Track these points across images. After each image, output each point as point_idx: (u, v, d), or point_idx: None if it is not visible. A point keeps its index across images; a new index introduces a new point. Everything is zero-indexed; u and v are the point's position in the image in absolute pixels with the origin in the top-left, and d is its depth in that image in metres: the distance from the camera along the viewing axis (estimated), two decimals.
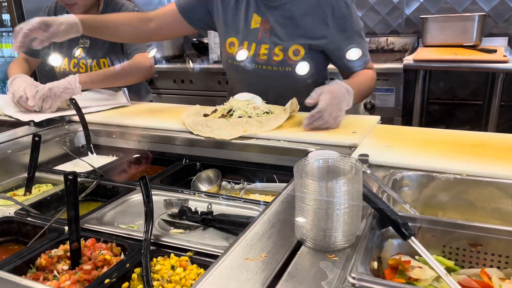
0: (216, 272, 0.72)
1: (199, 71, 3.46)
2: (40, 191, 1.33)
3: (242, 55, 1.70)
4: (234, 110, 1.55)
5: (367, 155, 1.14)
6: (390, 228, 0.81)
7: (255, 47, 1.65)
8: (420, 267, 0.79)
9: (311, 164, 0.80)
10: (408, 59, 2.78)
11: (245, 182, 1.36)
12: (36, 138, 1.31)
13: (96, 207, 1.16)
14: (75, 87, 1.78)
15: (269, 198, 1.29)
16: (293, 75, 1.62)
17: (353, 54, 1.58)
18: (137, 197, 1.21)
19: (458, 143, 1.23)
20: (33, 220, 1.10)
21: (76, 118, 1.71)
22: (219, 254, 0.87)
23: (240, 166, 1.42)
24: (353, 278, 0.66)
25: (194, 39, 3.80)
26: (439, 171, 1.06)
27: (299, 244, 0.80)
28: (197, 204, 1.14)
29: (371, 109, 2.99)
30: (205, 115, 1.61)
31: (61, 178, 1.34)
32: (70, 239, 0.94)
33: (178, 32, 1.89)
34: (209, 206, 1.07)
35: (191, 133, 1.49)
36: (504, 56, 2.63)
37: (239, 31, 1.68)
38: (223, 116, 1.56)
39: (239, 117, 1.52)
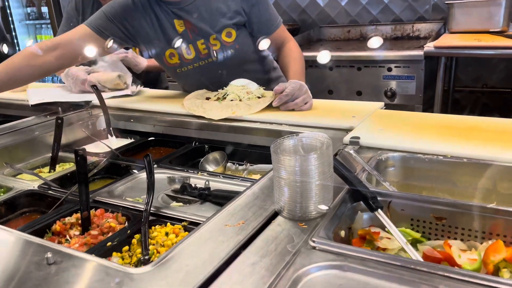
0: (196, 234, 0.81)
1: None
2: (62, 169, 1.47)
3: (183, 64, 1.80)
4: (227, 94, 1.68)
5: (358, 137, 1.20)
6: (362, 202, 0.88)
7: (193, 47, 1.75)
8: (389, 238, 0.86)
9: (287, 142, 0.88)
10: (429, 46, 2.76)
11: (248, 164, 1.45)
12: (59, 121, 1.45)
13: (109, 183, 1.28)
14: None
15: None
16: (237, 54, 1.76)
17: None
18: (145, 175, 1.32)
19: (452, 127, 1.27)
20: (53, 193, 1.23)
21: (96, 102, 1.86)
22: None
23: (245, 149, 1.51)
24: (313, 241, 0.74)
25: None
26: (425, 152, 1.10)
27: (276, 214, 0.88)
28: (199, 181, 1.24)
29: (391, 97, 2.99)
30: (207, 98, 1.74)
31: None
32: (81, 208, 1.06)
33: (88, 52, 1.72)
34: (207, 183, 1.16)
35: (202, 117, 1.59)
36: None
37: (170, 41, 1.75)
38: (218, 99, 1.69)
39: (231, 100, 1.65)
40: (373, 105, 1.59)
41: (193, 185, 1.19)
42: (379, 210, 0.83)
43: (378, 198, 0.86)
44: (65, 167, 1.49)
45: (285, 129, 1.42)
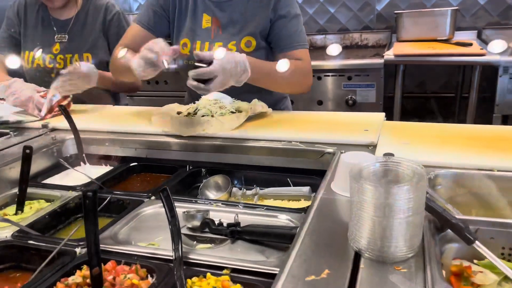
0: None
1: (174, 71, 3.34)
2: (32, 209, 1.20)
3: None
4: (198, 109, 1.52)
5: (392, 154, 1.10)
6: (448, 232, 0.77)
7: (208, 46, 1.63)
8: (481, 272, 0.76)
9: (368, 167, 0.75)
10: (389, 54, 2.79)
11: (258, 187, 1.29)
12: (27, 150, 1.19)
13: (104, 224, 1.05)
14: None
15: (285, 203, 1.23)
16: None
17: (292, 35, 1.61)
18: (148, 211, 1.11)
19: (477, 137, 1.22)
20: (35, 243, 0.98)
21: (61, 125, 1.59)
22: (261, 270, 0.81)
23: (250, 171, 1.35)
24: None
25: (169, 40, 3.66)
26: (468, 167, 1.03)
27: (357, 255, 0.74)
28: (214, 214, 1.06)
29: (352, 105, 2.98)
30: (178, 113, 1.57)
31: (55, 193, 1.24)
32: (90, 263, 0.84)
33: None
34: (236, 217, 0.99)
35: (192, 138, 1.40)
36: (480, 49, 2.69)
37: (190, 31, 1.66)
38: (188, 114, 1.53)
39: (203, 116, 1.48)
40: (376, 116, 1.52)
41: (216, 220, 1.01)
42: (477, 242, 0.73)
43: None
44: (35, 207, 1.22)
45: (297, 147, 1.29)
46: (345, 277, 0.68)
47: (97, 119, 1.63)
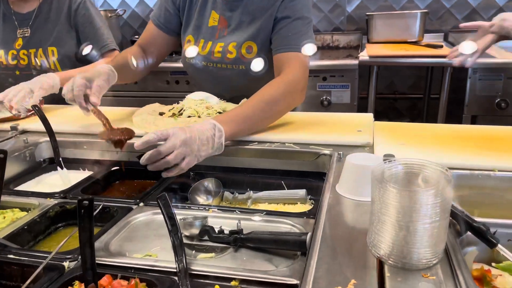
0: None
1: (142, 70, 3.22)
2: (7, 219, 1.10)
3: (192, 52, 1.62)
4: (184, 110, 1.47)
5: (392, 156, 1.08)
6: (467, 235, 0.75)
7: (211, 45, 1.57)
8: (501, 275, 0.74)
9: (390, 169, 0.71)
10: (363, 55, 2.81)
11: (251, 191, 1.24)
12: (1, 155, 1.08)
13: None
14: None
15: (280, 207, 1.19)
16: (247, 73, 1.54)
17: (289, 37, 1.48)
18: (138, 218, 1.03)
19: (470, 137, 1.22)
20: (16, 257, 0.89)
21: (33, 127, 1.47)
22: (273, 281, 0.76)
23: (242, 174, 1.29)
24: None
25: (136, 37, 3.54)
26: (468, 168, 1.03)
27: (380, 262, 0.70)
28: (211, 221, 1.00)
29: (327, 106, 2.98)
30: (161, 114, 1.52)
31: (32, 201, 1.14)
32: (86, 278, 0.76)
33: (167, 50, 1.72)
34: (239, 224, 0.93)
35: None
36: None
37: (195, 28, 1.61)
38: (173, 115, 1.47)
39: (189, 116, 1.43)
40: (365, 116, 1.51)
41: (215, 227, 0.95)
42: (500, 245, 0.71)
43: None
44: (9, 216, 1.11)
45: (291, 148, 1.25)
46: (373, 287, 0.64)
47: (73, 120, 1.52)
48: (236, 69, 1.56)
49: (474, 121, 2.82)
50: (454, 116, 2.91)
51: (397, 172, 0.72)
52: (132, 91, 3.24)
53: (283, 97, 1.33)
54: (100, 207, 1.06)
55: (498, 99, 2.71)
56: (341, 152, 1.15)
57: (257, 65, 1.54)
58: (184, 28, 1.64)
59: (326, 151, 1.20)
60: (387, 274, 0.67)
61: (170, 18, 1.62)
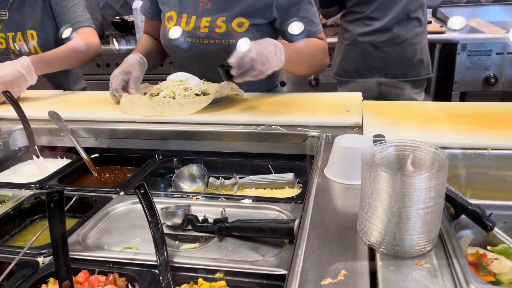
0: None
1: (126, 52, 3.12)
2: None
3: (177, 30, 1.56)
4: (161, 90, 1.43)
5: (383, 136, 1.04)
6: (462, 218, 0.71)
7: (195, 20, 1.50)
8: (496, 259, 0.71)
9: (381, 152, 0.67)
10: None
11: (237, 176, 1.19)
12: None
13: (69, 227, 0.92)
14: (30, 74, 1.47)
15: (268, 192, 1.15)
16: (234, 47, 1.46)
17: (299, 24, 1.46)
18: (118, 208, 0.99)
19: (461, 115, 1.18)
20: None
21: (5, 114, 1.40)
22: (260, 272, 0.72)
23: (227, 158, 1.25)
24: None
25: (117, 18, 3.43)
26: (461, 147, 0.99)
27: (371, 250, 0.67)
28: (195, 209, 0.95)
29: (315, 86, 2.93)
30: (144, 94, 1.48)
31: (6, 192, 1.08)
32: (59, 276, 0.71)
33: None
34: (223, 212, 0.89)
35: (159, 123, 1.28)
36: (440, 27, 2.70)
37: (177, 3, 1.54)
38: (151, 95, 1.44)
39: (164, 97, 1.39)
40: (354, 96, 1.46)
41: (198, 216, 0.90)
42: (496, 229, 0.68)
43: None
44: None
45: (278, 131, 1.20)
46: (364, 278, 0.60)
47: (48, 106, 1.45)
48: (225, 44, 1.48)
49: (463, 98, 2.79)
50: (443, 94, 2.88)
51: (388, 155, 0.67)
52: (109, 74, 3.14)
53: (324, 55, 1.53)
54: (75, 198, 1.00)
55: (487, 75, 2.67)
56: (329, 134, 1.11)
57: (252, 36, 1.44)
58: (163, 5, 1.57)
59: (314, 133, 1.15)
60: (379, 263, 0.63)
61: (155, 5, 1.61)
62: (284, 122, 1.22)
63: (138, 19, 3.08)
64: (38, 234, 0.80)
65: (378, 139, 1.03)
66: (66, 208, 0.96)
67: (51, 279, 0.76)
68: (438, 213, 0.65)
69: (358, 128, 1.16)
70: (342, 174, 0.88)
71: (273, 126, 1.22)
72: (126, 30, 3.41)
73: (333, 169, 0.90)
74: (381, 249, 0.66)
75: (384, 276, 0.60)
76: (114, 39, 3.31)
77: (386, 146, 0.67)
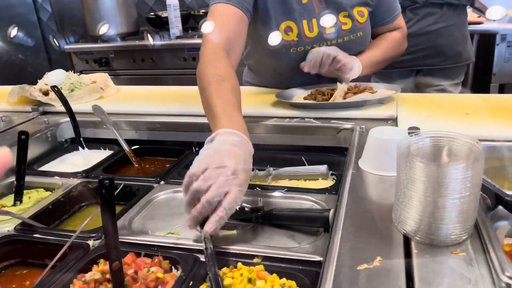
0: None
1: (160, 48, 3.21)
2: (32, 199, 1.11)
3: (303, 40, 1.39)
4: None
5: (418, 128, 1.04)
6: (498, 209, 0.72)
7: (316, 23, 1.37)
8: None
9: (417, 143, 0.68)
10: None
11: (271, 168, 1.22)
12: (23, 136, 1.09)
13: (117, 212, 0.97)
14: None
15: (301, 184, 1.17)
16: (364, 38, 1.43)
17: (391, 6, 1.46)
18: (160, 197, 1.04)
19: (500, 107, 1.17)
20: (42, 236, 0.90)
21: (53, 108, 1.48)
22: (296, 258, 0.75)
23: (261, 150, 1.27)
24: (510, 278, 0.56)
25: (152, 14, 3.51)
26: (499, 139, 0.99)
27: (406, 238, 0.68)
28: None
29: None
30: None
31: (56, 181, 1.15)
32: (110, 257, 0.76)
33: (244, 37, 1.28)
34: (260, 201, 0.92)
35: (200, 116, 1.32)
36: (478, 17, 2.64)
37: (292, 11, 1.36)
38: None
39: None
40: (390, 88, 1.45)
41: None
42: None
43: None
44: (34, 196, 1.13)
45: (312, 124, 1.22)
46: (399, 264, 0.62)
47: (91, 101, 1.53)
48: (353, 39, 1.41)
49: (502, 90, 2.72)
50: (481, 86, 2.81)
51: (424, 146, 0.69)
52: (148, 69, 3.24)
53: (399, 45, 1.54)
54: (121, 186, 1.06)
55: None
56: (363, 126, 1.12)
57: (369, 27, 1.44)
58: (274, 15, 1.35)
59: (348, 126, 1.17)
60: (414, 251, 0.65)
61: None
62: (317, 115, 1.24)
63: (172, 14, 3.15)
64: (88, 219, 0.86)
65: (413, 131, 1.04)
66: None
67: (101, 260, 0.81)
68: (474, 204, 0.66)
69: (392, 121, 1.17)
70: (377, 166, 0.89)
71: (306, 119, 1.24)
72: (160, 25, 3.49)
73: (368, 160, 0.92)
74: (417, 238, 0.68)
75: (419, 264, 0.62)
76: (148, 35, 3.39)
77: (422, 137, 0.69)
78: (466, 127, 1.06)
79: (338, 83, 1.35)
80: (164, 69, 3.17)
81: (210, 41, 1.11)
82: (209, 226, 0.78)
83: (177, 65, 3.13)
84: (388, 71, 2.21)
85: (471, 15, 2.78)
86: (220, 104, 0.98)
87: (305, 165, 1.23)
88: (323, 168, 1.17)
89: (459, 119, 1.12)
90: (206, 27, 1.14)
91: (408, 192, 0.67)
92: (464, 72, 2.21)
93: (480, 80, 2.78)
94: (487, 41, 2.65)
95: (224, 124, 0.91)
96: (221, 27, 1.14)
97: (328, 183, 1.15)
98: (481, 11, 2.88)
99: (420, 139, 0.69)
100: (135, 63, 3.27)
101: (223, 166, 0.80)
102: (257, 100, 1.40)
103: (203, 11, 3.42)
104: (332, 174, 1.19)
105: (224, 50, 1.10)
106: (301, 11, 1.34)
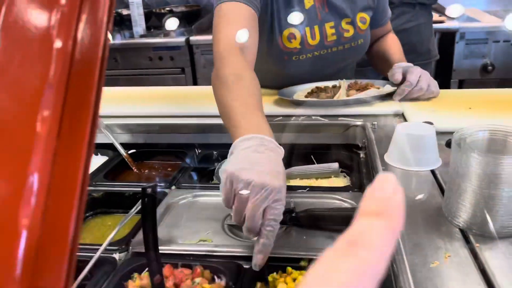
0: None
1: (123, 47, 3.07)
2: None
3: (305, 48, 1.34)
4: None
5: (431, 123, 1.06)
6: None
7: (318, 30, 1.34)
8: None
9: (472, 135, 0.69)
10: None
11: None
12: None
13: (134, 222, 0.91)
14: None
15: (313, 182, 1.16)
16: (363, 46, 1.41)
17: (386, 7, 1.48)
18: (178, 202, 0.98)
19: (502, 101, 1.22)
20: None
21: None
22: None
23: None
24: None
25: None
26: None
27: (462, 232, 0.69)
28: None
29: None
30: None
31: None
32: (151, 270, 0.71)
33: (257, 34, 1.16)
34: (292, 203, 0.90)
35: (200, 116, 1.27)
36: (439, 16, 2.76)
37: (296, 17, 1.32)
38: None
39: None
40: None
41: None
42: None
43: None
44: None
45: (319, 122, 1.21)
46: (469, 259, 0.62)
47: None
48: (354, 46, 1.38)
49: (461, 85, 2.86)
50: (443, 81, 2.94)
51: (479, 138, 0.70)
52: (112, 69, 3.09)
53: None
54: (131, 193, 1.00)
55: (485, 63, 2.75)
56: (375, 123, 1.13)
57: (369, 34, 1.42)
58: (277, 22, 1.29)
59: (358, 122, 1.17)
60: (476, 244, 0.65)
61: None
62: (323, 112, 1.24)
63: (135, 12, 3.03)
64: (116, 230, 0.80)
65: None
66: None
67: (136, 275, 0.76)
68: None
69: (400, 116, 1.18)
70: (407, 161, 0.90)
71: (313, 117, 1.23)
72: (120, 23, 3.34)
73: (396, 156, 0.92)
74: (473, 231, 0.68)
75: (487, 257, 0.62)
76: (108, 32, 3.23)
77: (477, 130, 0.70)
78: (473, 121, 1.09)
79: (339, 80, 1.35)
80: (129, 69, 3.04)
81: (222, 41, 1.06)
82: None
83: (143, 65, 3.02)
84: (363, 68, 2.26)
85: (433, 14, 2.91)
86: (237, 106, 0.90)
87: (314, 163, 1.22)
88: (334, 166, 1.16)
89: (464, 113, 1.15)
90: (216, 27, 1.09)
91: (463, 185, 0.67)
92: (430, 69, 2.31)
93: (442, 76, 2.92)
94: (447, 39, 2.78)
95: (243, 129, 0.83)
96: (232, 26, 1.08)
97: (340, 181, 1.15)
98: (439, 11, 3.02)
99: (474, 131, 0.70)
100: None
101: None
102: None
103: (167, 8, 3.32)
104: (342, 172, 1.18)
105: (238, 49, 1.05)
106: (305, 18, 1.31)
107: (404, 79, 1.27)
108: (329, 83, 1.39)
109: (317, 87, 1.37)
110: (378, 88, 1.30)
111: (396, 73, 1.28)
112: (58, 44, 0.29)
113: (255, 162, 0.72)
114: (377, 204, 0.21)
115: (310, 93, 1.35)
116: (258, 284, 0.72)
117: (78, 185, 0.27)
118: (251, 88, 0.96)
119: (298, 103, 1.30)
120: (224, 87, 0.96)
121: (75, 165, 0.27)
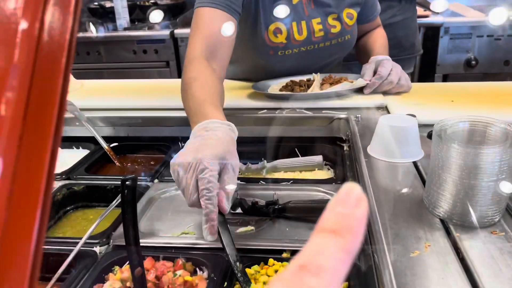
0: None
1: (107, 40, 3.03)
2: None
3: (291, 43, 1.33)
4: None
5: (414, 116, 1.07)
6: None
7: (305, 25, 1.33)
8: None
9: (452, 126, 0.69)
10: None
11: (265, 161, 1.20)
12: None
13: (116, 215, 0.90)
14: None
15: (297, 175, 1.16)
16: (351, 41, 1.41)
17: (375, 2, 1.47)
18: (160, 196, 0.97)
19: (484, 94, 1.24)
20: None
21: None
22: None
23: (252, 143, 1.24)
24: None
25: (95, 4, 3.30)
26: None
27: (443, 222, 0.69)
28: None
29: None
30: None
31: None
32: (132, 263, 0.70)
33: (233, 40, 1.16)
34: (275, 195, 0.90)
35: (181, 110, 1.26)
36: (424, 10, 2.78)
37: (282, 12, 1.31)
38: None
39: None
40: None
41: (247, 199, 0.91)
42: None
43: None
44: None
45: (303, 114, 1.21)
46: (448, 248, 0.63)
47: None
48: (340, 42, 1.38)
49: (445, 80, 2.89)
50: (427, 76, 2.97)
51: (459, 129, 0.70)
52: (94, 62, 3.05)
53: None
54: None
55: (468, 58, 2.78)
56: (359, 115, 1.13)
57: (355, 29, 1.41)
58: (262, 16, 1.28)
59: (342, 115, 1.17)
60: (456, 234, 0.66)
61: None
62: (307, 105, 1.23)
63: (119, 4, 2.98)
64: (96, 224, 0.78)
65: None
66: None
67: (117, 268, 0.75)
68: (509, 185, 0.68)
69: (383, 109, 1.19)
70: (389, 153, 0.90)
71: (297, 110, 1.23)
72: (103, 16, 3.29)
73: (378, 148, 0.92)
74: (453, 221, 0.69)
75: (466, 246, 0.63)
76: (91, 24, 3.19)
77: (457, 121, 0.70)
78: (455, 113, 1.10)
79: (313, 74, 1.36)
80: (113, 62, 3.00)
81: (190, 48, 1.08)
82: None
83: (127, 58, 2.98)
84: (349, 63, 2.27)
85: (418, 9, 2.93)
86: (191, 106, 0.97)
87: (299, 156, 1.22)
88: (318, 158, 1.16)
89: (446, 106, 1.16)
90: (190, 33, 1.12)
91: (443, 175, 0.68)
92: (414, 63, 2.32)
93: (426, 70, 2.94)
94: (431, 34, 2.80)
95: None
96: (203, 34, 1.09)
97: (324, 173, 1.15)
98: (424, 5, 3.04)
99: (455, 123, 0.70)
100: (79, 56, 3.06)
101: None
102: (235, 93, 1.37)
103: (152, 1, 3.28)
104: (326, 165, 1.19)
105: (203, 57, 1.05)
106: (291, 13, 1.30)
107: (375, 72, 1.28)
108: (304, 77, 1.39)
109: (291, 81, 1.36)
110: (352, 82, 1.31)
111: (366, 73, 1.29)
112: (24, 25, 0.28)
113: (188, 147, 0.81)
114: (336, 220, 0.20)
115: (285, 87, 1.35)
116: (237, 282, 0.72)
117: (45, 170, 0.26)
118: (205, 86, 1.00)
119: (271, 97, 1.29)
120: (183, 91, 1.02)
121: (42, 149, 0.26)
